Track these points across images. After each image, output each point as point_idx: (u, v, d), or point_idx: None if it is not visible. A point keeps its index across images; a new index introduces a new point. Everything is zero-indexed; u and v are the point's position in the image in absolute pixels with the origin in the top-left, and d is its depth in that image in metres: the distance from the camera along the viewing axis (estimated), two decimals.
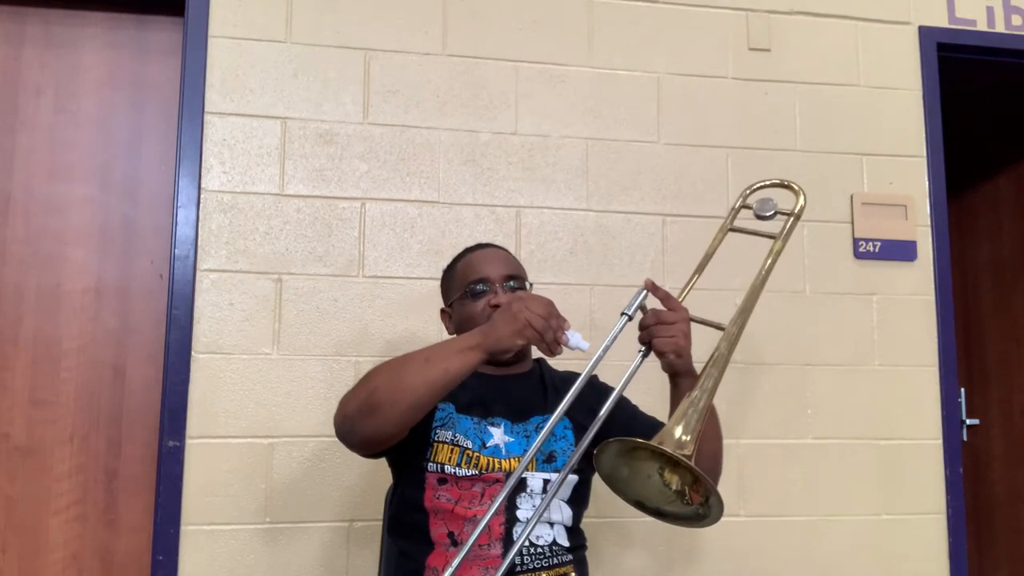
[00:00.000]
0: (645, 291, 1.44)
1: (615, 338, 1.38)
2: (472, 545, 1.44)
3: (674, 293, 1.48)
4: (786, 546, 2.30)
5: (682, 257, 2.34)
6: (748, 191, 1.62)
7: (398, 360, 1.44)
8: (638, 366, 1.41)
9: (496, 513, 1.47)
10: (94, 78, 2.28)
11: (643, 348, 1.44)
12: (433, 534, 1.50)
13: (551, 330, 1.37)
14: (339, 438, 1.47)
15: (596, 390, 1.57)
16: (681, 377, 1.44)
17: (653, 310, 1.44)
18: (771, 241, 1.51)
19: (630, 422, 1.58)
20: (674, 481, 1.28)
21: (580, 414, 1.55)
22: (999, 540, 3.35)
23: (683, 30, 2.46)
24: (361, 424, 1.41)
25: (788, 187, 1.58)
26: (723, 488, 2.36)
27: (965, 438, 2.63)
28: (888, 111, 2.53)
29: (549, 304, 1.39)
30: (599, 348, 1.37)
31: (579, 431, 1.57)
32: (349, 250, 2.20)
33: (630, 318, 1.42)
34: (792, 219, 1.52)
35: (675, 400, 1.44)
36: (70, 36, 2.29)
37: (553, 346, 1.38)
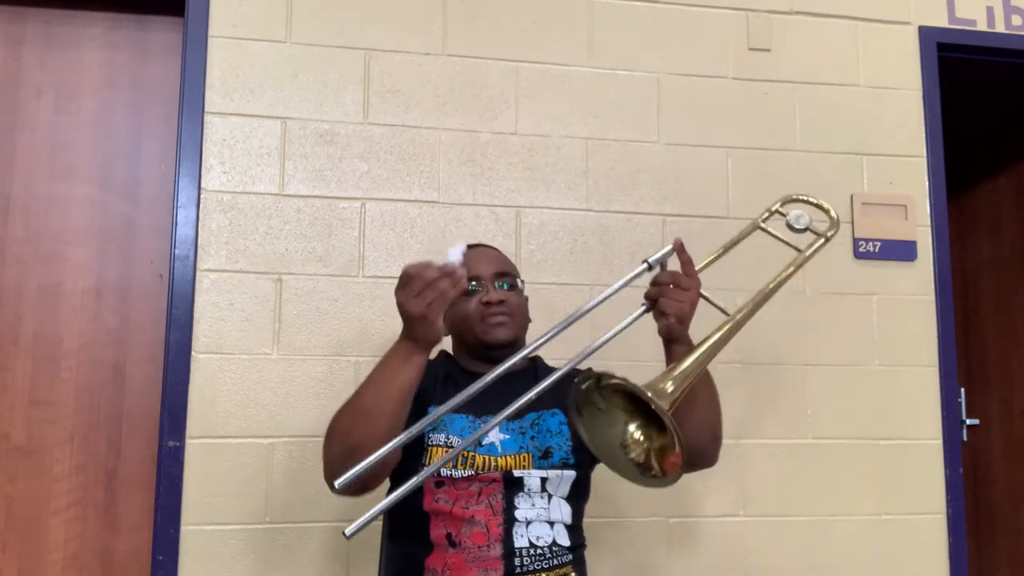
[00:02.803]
0: (672, 249, 1.46)
1: (630, 281, 1.41)
2: (471, 547, 1.45)
3: None
4: (786, 546, 2.30)
5: None
6: (787, 199, 1.68)
7: (352, 400, 1.43)
8: (636, 318, 1.43)
9: (494, 514, 1.48)
10: (94, 78, 2.28)
11: (646, 303, 1.46)
12: (432, 535, 1.50)
13: (446, 281, 1.30)
14: (340, 494, 1.39)
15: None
16: (676, 344, 1.46)
17: (671, 271, 1.46)
18: (794, 252, 1.57)
19: None
20: (636, 449, 1.27)
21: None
22: (999, 540, 3.34)
23: (683, 30, 2.45)
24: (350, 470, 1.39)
25: (826, 211, 1.65)
26: (723, 488, 2.36)
27: (965, 438, 2.62)
28: (888, 111, 2.53)
29: (420, 270, 1.31)
30: (613, 289, 1.41)
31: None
32: (349, 250, 2.20)
33: (650, 267, 1.45)
34: (823, 241, 1.59)
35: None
36: (70, 36, 2.28)
37: (451, 275, 1.30)
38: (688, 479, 2.27)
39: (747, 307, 1.44)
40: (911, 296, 2.46)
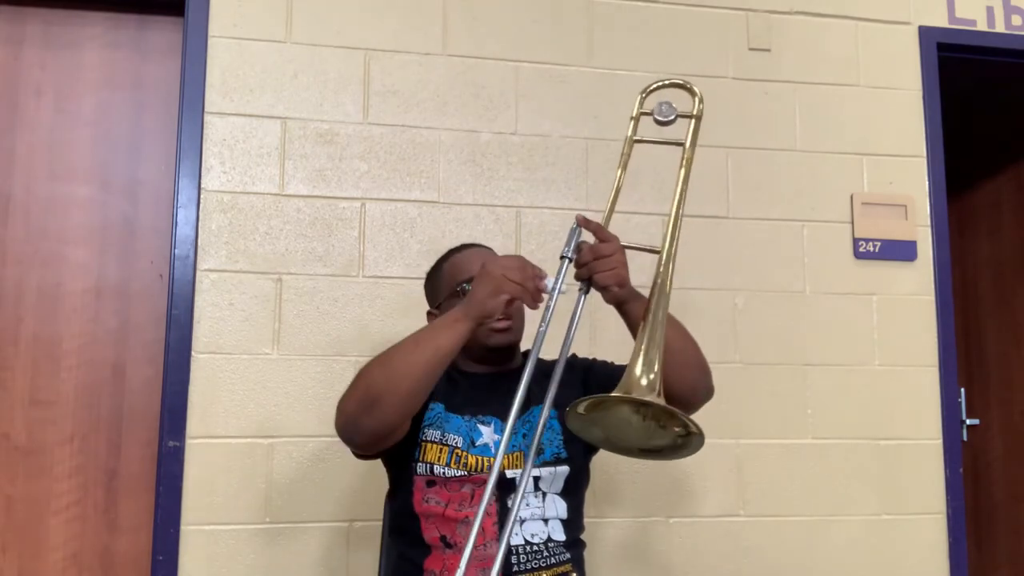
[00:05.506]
0: (579, 228, 1.45)
1: (562, 280, 1.40)
2: (468, 548, 1.45)
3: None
4: (785, 546, 2.30)
5: (683, 256, 2.32)
6: (644, 95, 1.60)
7: (387, 352, 1.42)
8: (581, 304, 1.41)
9: (487, 514, 1.47)
10: (94, 78, 2.28)
11: (582, 285, 1.43)
12: (426, 537, 1.50)
13: (530, 279, 1.37)
14: (344, 440, 1.46)
15: (574, 368, 1.56)
16: (629, 304, 1.44)
17: (589, 245, 1.44)
18: (680, 149, 1.52)
19: (606, 382, 1.56)
20: (649, 415, 1.28)
21: (563, 398, 1.54)
22: (999, 540, 3.35)
23: (683, 30, 2.45)
24: (364, 421, 1.39)
25: (685, 88, 1.57)
26: (723, 488, 2.36)
27: (965, 438, 2.63)
28: (888, 111, 2.53)
29: (520, 258, 1.41)
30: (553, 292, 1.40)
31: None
32: (349, 250, 2.20)
33: (571, 260, 1.43)
34: (694, 120, 1.51)
35: (632, 328, 1.43)
36: (70, 36, 2.28)
37: (535, 295, 1.38)
38: (688, 479, 2.28)
39: (670, 230, 1.41)
40: (911, 296, 2.46)
